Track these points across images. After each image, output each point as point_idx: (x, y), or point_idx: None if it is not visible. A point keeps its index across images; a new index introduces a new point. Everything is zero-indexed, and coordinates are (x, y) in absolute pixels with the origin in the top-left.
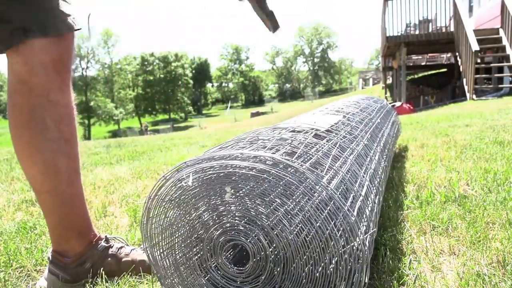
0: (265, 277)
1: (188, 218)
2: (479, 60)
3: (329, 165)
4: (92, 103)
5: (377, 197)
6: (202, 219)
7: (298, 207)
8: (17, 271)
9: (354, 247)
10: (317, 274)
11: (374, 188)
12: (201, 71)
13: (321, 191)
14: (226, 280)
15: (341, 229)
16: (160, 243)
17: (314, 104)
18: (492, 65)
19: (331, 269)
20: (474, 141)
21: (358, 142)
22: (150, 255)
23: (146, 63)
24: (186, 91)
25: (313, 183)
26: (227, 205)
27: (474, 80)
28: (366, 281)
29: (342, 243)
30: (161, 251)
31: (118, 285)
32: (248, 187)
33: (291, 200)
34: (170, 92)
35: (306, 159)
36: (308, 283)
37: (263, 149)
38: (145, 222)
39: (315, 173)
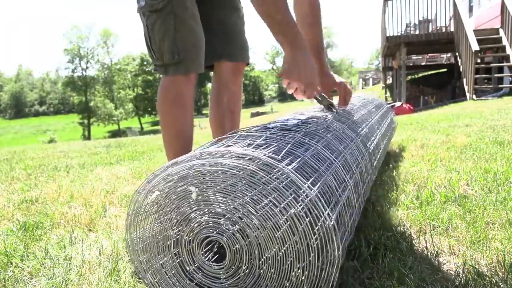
0: (245, 268)
1: (164, 226)
2: (479, 60)
3: (289, 151)
4: (92, 103)
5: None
6: (176, 224)
7: (262, 193)
8: (17, 271)
9: (320, 221)
10: (292, 255)
11: (337, 157)
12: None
13: (280, 173)
14: (211, 280)
15: (303, 206)
16: (145, 256)
17: (314, 104)
18: (492, 65)
19: (304, 247)
20: (474, 141)
21: (329, 131)
22: (139, 270)
23: (145, 63)
24: None
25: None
26: (194, 205)
27: (474, 80)
28: (339, 253)
29: (308, 220)
30: (148, 266)
31: (118, 284)
32: (214, 183)
33: (255, 188)
34: None
35: (266, 148)
36: (283, 265)
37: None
38: (129, 239)
39: (270, 157)
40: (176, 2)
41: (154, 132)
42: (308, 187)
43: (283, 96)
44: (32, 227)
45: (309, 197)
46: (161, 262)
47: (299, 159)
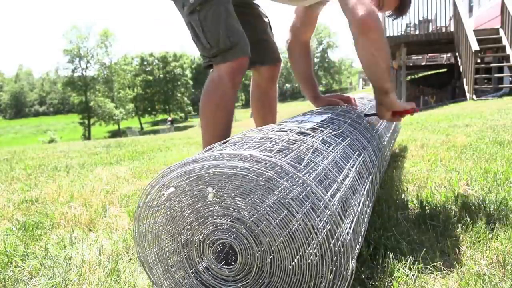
0: (254, 273)
1: (176, 222)
2: (479, 60)
3: (309, 158)
4: (92, 103)
5: (354, 168)
6: (188, 222)
7: (280, 201)
8: (17, 271)
9: (339, 236)
10: (304, 266)
11: (352, 162)
12: (202, 71)
13: (299, 181)
14: (217, 281)
15: (321, 217)
16: (153, 250)
17: (313, 106)
18: (492, 65)
19: (317, 260)
20: (474, 141)
21: (345, 138)
22: (144, 262)
23: (145, 63)
24: (186, 91)
25: (289, 175)
26: (210, 206)
27: (474, 80)
28: (353, 267)
29: (325, 232)
30: (154, 257)
31: (118, 284)
32: (231, 186)
33: (273, 195)
34: (169, 92)
35: (286, 154)
36: (295, 275)
37: (251, 149)
38: (137, 231)
39: (294, 166)
40: None
41: (154, 132)
42: (329, 199)
43: (283, 96)
44: (32, 227)
45: (329, 210)
46: (168, 258)
47: (319, 168)
